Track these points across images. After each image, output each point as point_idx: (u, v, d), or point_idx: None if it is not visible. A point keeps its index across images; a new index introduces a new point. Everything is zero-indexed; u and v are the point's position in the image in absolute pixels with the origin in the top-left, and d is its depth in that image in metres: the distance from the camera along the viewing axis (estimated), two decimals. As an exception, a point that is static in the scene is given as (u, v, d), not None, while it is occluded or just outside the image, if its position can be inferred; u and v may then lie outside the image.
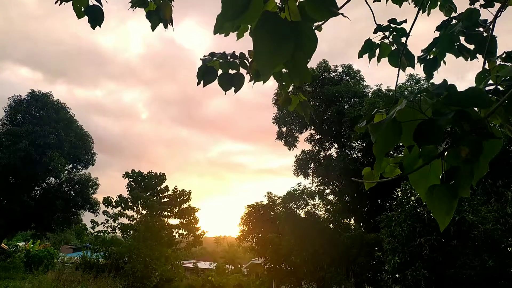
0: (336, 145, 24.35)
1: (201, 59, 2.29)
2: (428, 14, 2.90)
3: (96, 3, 2.30)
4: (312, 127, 24.23)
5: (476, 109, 1.28)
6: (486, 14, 2.59)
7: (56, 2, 2.25)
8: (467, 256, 10.36)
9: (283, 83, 2.56)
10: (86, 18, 2.32)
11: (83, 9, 2.29)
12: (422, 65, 2.75)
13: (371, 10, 2.64)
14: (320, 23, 2.33)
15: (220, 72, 2.25)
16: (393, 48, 2.82)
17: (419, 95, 1.33)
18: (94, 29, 2.29)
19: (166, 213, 26.21)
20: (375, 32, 2.80)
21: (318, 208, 22.55)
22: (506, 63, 2.07)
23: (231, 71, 2.26)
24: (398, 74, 2.76)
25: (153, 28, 2.51)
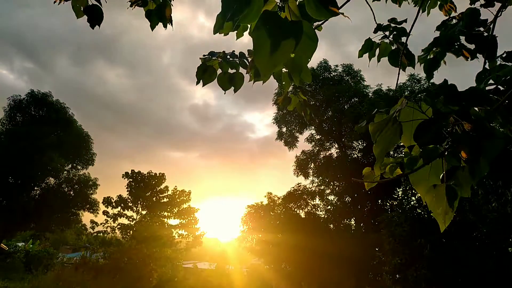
0: (336, 145, 24.34)
1: (200, 58, 2.29)
2: (428, 13, 2.89)
3: (95, 2, 2.29)
4: (312, 127, 24.22)
5: (476, 109, 1.27)
6: (486, 14, 2.59)
7: (55, 2, 2.24)
8: (467, 256, 10.36)
9: (283, 83, 2.55)
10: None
11: (82, 9, 2.29)
12: (423, 65, 2.75)
13: (371, 9, 2.64)
14: (320, 22, 2.32)
15: (219, 71, 2.25)
16: (393, 47, 2.81)
17: (419, 95, 1.32)
18: (93, 28, 2.29)
19: (165, 213, 26.23)
20: (375, 31, 2.80)
21: (319, 209, 22.58)
22: (506, 63, 2.07)
23: (231, 71, 2.26)
24: (399, 74, 2.75)
25: (153, 27, 2.51)
